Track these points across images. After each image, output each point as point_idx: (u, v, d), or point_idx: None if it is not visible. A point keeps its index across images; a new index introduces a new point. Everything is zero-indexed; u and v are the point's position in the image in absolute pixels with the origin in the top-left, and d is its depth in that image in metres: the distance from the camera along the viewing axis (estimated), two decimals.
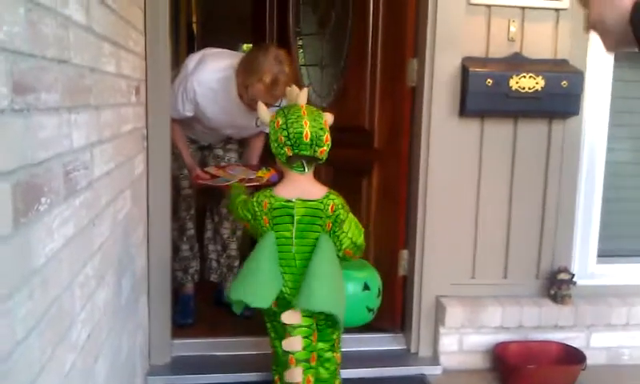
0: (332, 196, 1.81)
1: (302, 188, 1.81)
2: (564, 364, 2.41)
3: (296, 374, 1.79)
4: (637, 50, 1.12)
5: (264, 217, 1.81)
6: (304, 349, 1.81)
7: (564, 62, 2.45)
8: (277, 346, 1.88)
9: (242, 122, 2.68)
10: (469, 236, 2.54)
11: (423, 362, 2.51)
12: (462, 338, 2.49)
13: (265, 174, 2.62)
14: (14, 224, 0.86)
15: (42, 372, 0.99)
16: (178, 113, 2.57)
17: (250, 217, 1.86)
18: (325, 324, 1.88)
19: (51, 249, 1.04)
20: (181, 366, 2.40)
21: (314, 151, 1.75)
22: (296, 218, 1.79)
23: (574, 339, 2.51)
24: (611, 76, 2.55)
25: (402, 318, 2.64)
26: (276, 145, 1.78)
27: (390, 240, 2.64)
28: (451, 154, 2.44)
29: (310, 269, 1.75)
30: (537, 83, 2.35)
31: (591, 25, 1.28)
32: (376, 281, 1.98)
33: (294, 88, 1.84)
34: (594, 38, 1.38)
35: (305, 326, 1.81)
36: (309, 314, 1.79)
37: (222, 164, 2.87)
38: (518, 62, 2.40)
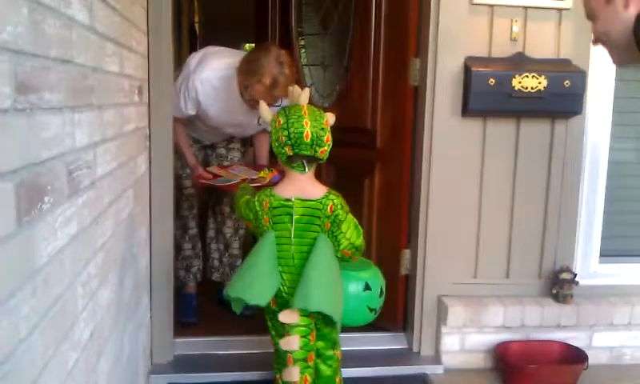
0: (331, 196, 1.81)
1: (301, 187, 1.81)
2: (566, 364, 2.40)
3: (293, 372, 1.81)
4: None
5: (264, 216, 1.82)
6: (301, 348, 1.82)
7: (567, 61, 2.44)
8: (277, 344, 1.89)
9: (244, 121, 2.69)
10: (471, 235, 2.54)
11: (425, 362, 2.51)
12: (464, 337, 2.49)
13: (267, 175, 2.62)
14: (17, 223, 0.86)
15: (44, 370, 0.99)
16: (181, 112, 2.58)
17: (252, 216, 1.87)
18: (323, 323, 1.89)
19: (54, 247, 1.04)
20: (183, 364, 2.41)
21: (315, 151, 1.75)
22: (295, 217, 1.79)
23: (576, 339, 2.51)
24: (614, 76, 2.55)
25: (404, 318, 2.64)
26: (277, 144, 1.78)
27: (392, 239, 2.64)
28: (453, 153, 2.44)
29: (307, 268, 1.76)
30: (539, 83, 2.35)
31: (597, 38, 1.28)
32: (378, 281, 1.99)
33: (296, 88, 1.84)
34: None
35: (302, 326, 1.82)
36: (306, 313, 1.79)
37: (225, 164, 2.88)
38: (521, 62, 2.40)
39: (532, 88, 2.35)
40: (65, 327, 1.12)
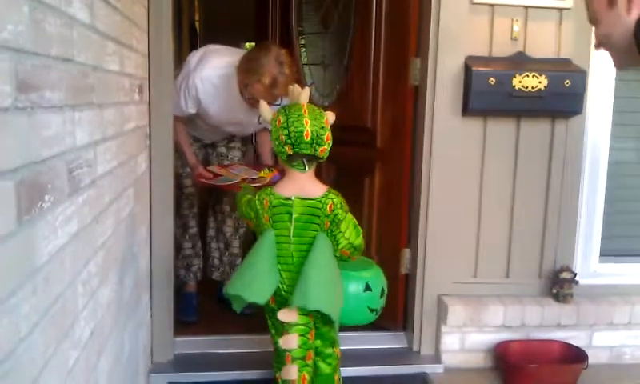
0: (331, 195, 1.81)
1: (301, 186, 1.81)
2: (566, 363, 2.41)
3: (292, 371, 1.81)
4: None
5: (265, 215, 1.83)
6: (300, 347, 1.82)
7: (567, 61, 2.44)
8: (277, 343, 1.89)
9: (244, 119, 2.69)
10: (471, 235, 2.54)
11: (425, 361, 2.52)
12: (464, 336, 2.49)
13: (267, 174, 2.62)
14: (17, 221, 0.86)
15: (45, 368, 1.00)
16: (181, 110, 2.58)
17: (252, 215, 1.88)
18: (322, 322, 1.89)
19: (54, 246, 1.05)
20: (183, 363, 2.41)
21: (315, 150, 1.76)
22: (294, 215, 1.80)
23: (576, 338, 2.51)
24: (614, 75, 2.55)
25: (404, 317, 2.65)
26: (277, 143, 1.79)
27: (393, 238, 2.65)
28: (454, 153, 2.44)
29: (306, 267, 1.76)
30: (540, 82, 2.35)
31: (599, 42, 1.29)
32: (379, 281, 1.99)
33: (296, 87, 1.85)
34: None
35: (301, 324, 1.82)
36: (305, 312, 1.80)
37: (225, 163, 2.88)
38: (521, 61, 2.40)
39: (532, 87, 2.35)
40: (65, 326, 1.12)
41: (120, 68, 1.66)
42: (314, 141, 1.74)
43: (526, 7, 2.41)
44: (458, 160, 2.45)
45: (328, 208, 1.79)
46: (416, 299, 2.55)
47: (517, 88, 2.34)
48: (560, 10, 2.42)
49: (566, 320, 2.50)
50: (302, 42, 3.32)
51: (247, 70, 2.46)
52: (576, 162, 2.53)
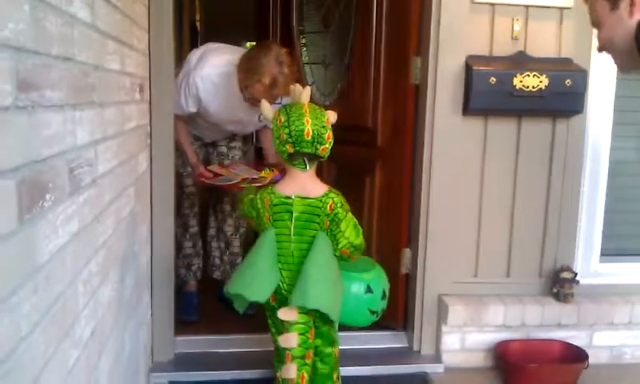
0: (332, 194, 1.81)
1: (302, 185, 1.82)
2: (566, 363, 2.41)
3: (291, 370, 1.82)
4: None
5: (265, 214, 1.83)
6: (300, 345, 1.82)
7: (568, 60, 2.44)
8: (277, 342, 1.89)
9: (245, 118, 2.68)
10: (471, 234, 2.54)
11: (425, 360, 2.52)
12: (465, 336, 2.49)
13: (268, 174, 2.62)
14: (18, 220, 0.86)
15: (45, 367, 1.00)
16: (182, 109, 2.58)
17: (254, 214, 1.88)
18: (322, 321, 1.89)
19: (55, 245, 1.05)
20: (184, 362, 2.41)
21: (316, 149, 1.76)
22: (294, 214, 1.80)
23: (577, 338, 2.51)
24: (615, 74, 2.54)
25: (404, 316, 2.65)
26: (278, 142, 1.79)
27: (393, 238, 2.64)
28: (454, 152, 2.44)
29: (305, 266, 1.76)
30: (541, 82, 2.34)
31: (602, 44, 1.30)
32: (381, 283, 1.98)
33: (297, 86, 1.85)
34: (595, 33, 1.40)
35: (301, 323, 1.82)
36: (305, 310, 1.80)
37: (226, 162, 2.88)
38: (522, 61, 2.40)
39: (533, 87, 2.35)
40: (66, 325, 1.12)
41: (121, 67, 1.66)
42: (315, 140, 1.74)
43: (527, 6, 2.41)
44: (458, 159, 2.45)
45: (328, 207, 1.79)
46: (416, 299, 2.55)
47: (517, 87, 2.34)
48: (561, 9, 2.42)
49: (567, 320, 2.50)
50: (303, 41, 3.32)
51: (247, 70, 2.46)
52: (577, 161, 2.53)
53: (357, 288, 1.92)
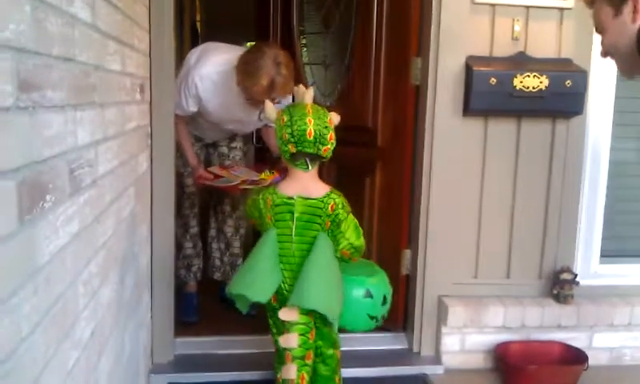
0: (333, 195, 1.82)
1: (304, 186, 1.82)
2: (566, 364, 2.40)
3: (291, 370, 1.82)
4: None
5: (268, 214, 1.83)
6: (300, 346, 1.83)
7: (568, 61, 2.44)
8: (278, 342, 1.89)
9: (244, 117, 2.68)
10: (471, 235, 2.54)
11: (425, 362, 2.51)
12: (464, 337, 2.49)
13: (268, 176, 2.62)
14: (18, 221, 0.86)
15: (45, 368, 0.99)
16: (183, 109, 2.57)
17: (257, 214, 1.89)
18: (323, 323, 1.89)
19: (56, 246, 1.04)
20: (184, 364, 2.40)
21: (318, 149, 1.76)
22: (296, 215, 1.80)
23: (577, 339, 2.51)
24: (615, 75, 2.54)
25: (404, 318, 2.64)
26: (281, 142, 1.80)
27: (393, 239, 2.64)
28: (454, 153, 2.44)
29: (306, 267, 1.77)
30: (541, 82, 2.34)
31: (605, 50, 1.30)
32: (382, 289, 1.97)
33: (301, 87, 1.86)
34: (598, 38, 1.40)
35: (302, 324, 1.83)
36: (306, 311, 1.80)
37: (227, 162, 2.88)
38: (522, 61, 2.40)
39: (533, 88, 2.35)
40: (66, 326, 1.12)
41: (121, 67, 1.65)
42: (317, 140, 1.75)
43: (527, 7, 2.41)
44: (458, 160, 2.45)
45: (330, 208, 1.79)
46: (416, 300, 2.54)
47: (518, 88, 2.34)
48: (561, 9, 2.42)
49: (567, 321, 2.49)
50: (304, 41, 3.32)
51: (245, 72, 2.45)
52: (577, 162, 2.53)
53: (357, 292, 1.91)
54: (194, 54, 2.68)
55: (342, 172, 2.84)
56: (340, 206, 1.81)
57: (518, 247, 2.55)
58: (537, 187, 2.53)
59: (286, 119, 1.77)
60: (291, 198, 1.81)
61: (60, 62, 1.06)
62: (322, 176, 1.91)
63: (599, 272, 2.65)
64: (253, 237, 3.11)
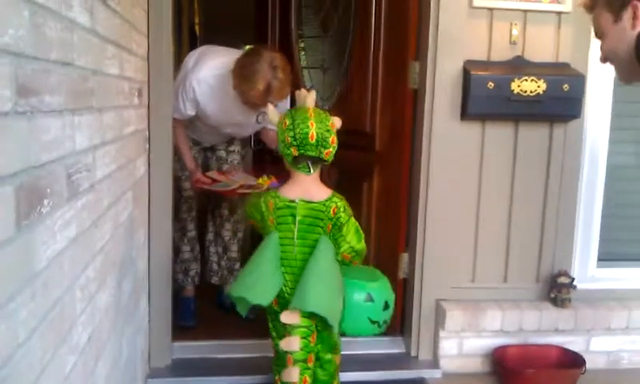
0: (335, 199, 1.82)
1: (306, 189, 1.83)
2: (563, 368, 2.40)
3: (293, 373, 1.81)
4: None
5: (270, 217, 1.83)
6: (302, 349, 1.82)
7: (565, 65, 2.45)
8: (277, 346, 1.89)
9: (242, 120, 2.68)
10: (469, 239, 2.54)
11: (423, 366, 2.51)
12: (462, 341, 2.49)
13: (265, 181, 2.62)
14: (16, 226, 0.86)
15: (42, 373, 0.99)
16: (181, 113, 2.57)
17: (258, 217, 1.89)
18: (324, 326, 1.89)
19: (53, 251, 1.04)
20: (181, 368, 2.40)
21: (320, 152, 1.77)
22: (298, 218, 1.80)
23: (574, 343, 2.51)
24: (612, 79, 2.55)
25: (401, 322, 2.64)
26: (283, 145, 1.80)
27: (391, 243, 2.64)
28: (452, 157, 2.44)
29: (307, 270, 1.77)
30: (538, 86, 2.35)
31: (605, 55, 1.31)
32: (383, 294, 1.94)
33: (303, 91, 1.86)
34: (596, 42, 1.41)
35: (303, 327, 1.82)
36: (307, 314, 1.79)
37: (225, 167, 2.88)
38: (520, 66, 2.41)
39: (531, 92, 2.35)
40: (63, 331, 1.12)
41: (120, 71, 1.65)
42: (319, 143, 1.75)
43: (525, 11, 2.41)
44: (456, 164, 2.45)
45: (331, 211, 1.80)
46: (414, 304, 2.54)
47: (515, 92, 2.34)
48: (559, 14, 2.43)
49: (564, 325, 2.50)
50: (302, 45, 3.33)
51: (241, 76, 2.44)
52: (574, 166, 2.54)
53: (358, 295, 1.90)
54: (191, 58, 2.68)
55: (340, 176, 2.84)
56: (342, 210, 1.81)
57: (515, 251, 2.55)
58: (534, 191, 2.53)
59: (288, 123, 1.78)
60: (293, 202, 1.82)
61: (58, 66, 1.06)
62: (322, 180, 1.91)
63: (597, 276, 2.65)
64: (251, 241, 3.12)
